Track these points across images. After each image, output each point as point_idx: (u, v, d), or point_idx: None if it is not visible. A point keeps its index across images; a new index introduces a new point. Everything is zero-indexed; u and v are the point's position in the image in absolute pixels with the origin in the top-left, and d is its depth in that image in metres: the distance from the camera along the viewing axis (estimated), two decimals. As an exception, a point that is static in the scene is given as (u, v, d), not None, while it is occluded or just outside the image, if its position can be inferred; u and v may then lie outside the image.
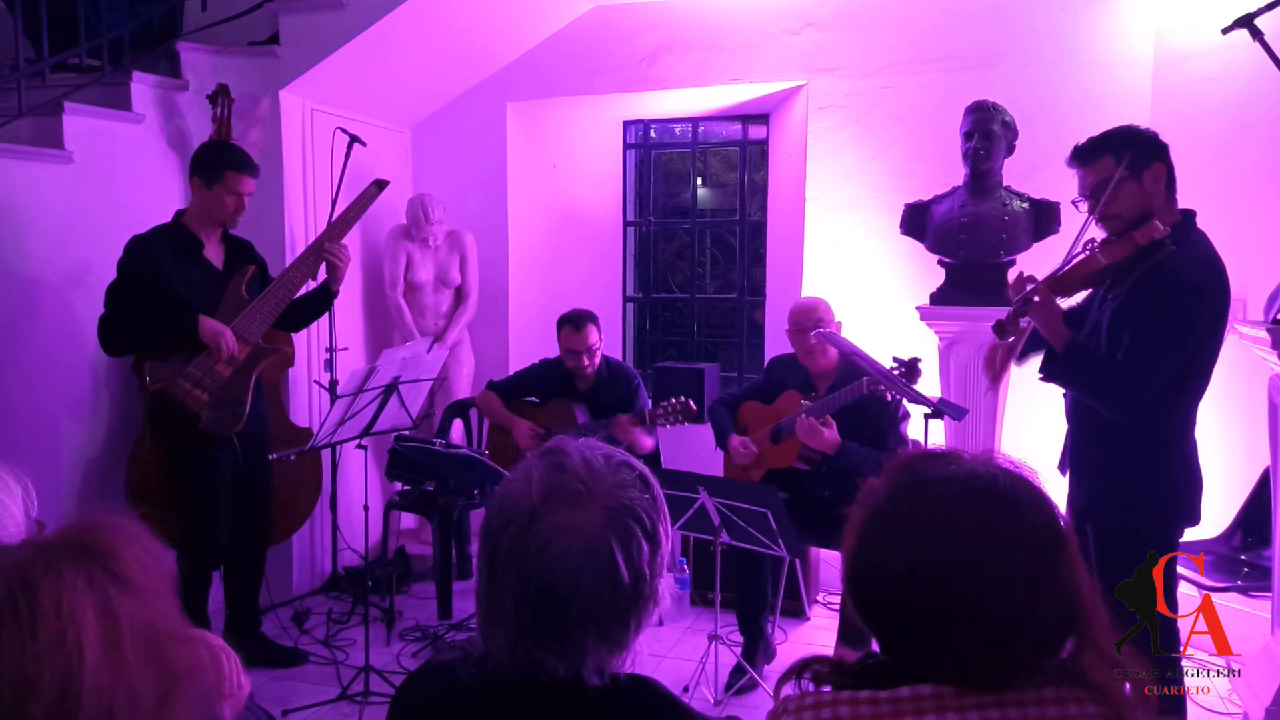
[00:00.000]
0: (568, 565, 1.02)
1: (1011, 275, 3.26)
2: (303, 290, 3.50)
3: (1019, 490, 0.99)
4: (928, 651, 0.98)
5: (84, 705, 0.64)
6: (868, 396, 3.17)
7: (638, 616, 1.07)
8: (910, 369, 3.13)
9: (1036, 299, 2.40)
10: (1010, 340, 2.54)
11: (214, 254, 3.36)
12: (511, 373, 4.19)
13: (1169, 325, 2.28)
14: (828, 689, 1.01)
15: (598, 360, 3.85)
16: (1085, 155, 2.41)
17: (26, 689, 0.63)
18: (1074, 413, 2.56)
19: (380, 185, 3.59)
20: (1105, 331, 2.41)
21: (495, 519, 1.07)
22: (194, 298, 3.24)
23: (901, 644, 1.01)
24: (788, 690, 1.03)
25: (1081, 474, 2.54)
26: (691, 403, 3.59)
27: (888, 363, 3.17)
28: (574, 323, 3.83)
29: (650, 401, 3.85)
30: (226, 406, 3.25)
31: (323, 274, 3.55)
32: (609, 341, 4.85)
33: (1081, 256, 2.40)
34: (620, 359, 4.13)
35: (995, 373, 2.62)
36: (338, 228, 3.51)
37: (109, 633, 0.66)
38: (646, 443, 3.68)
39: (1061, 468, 2.62)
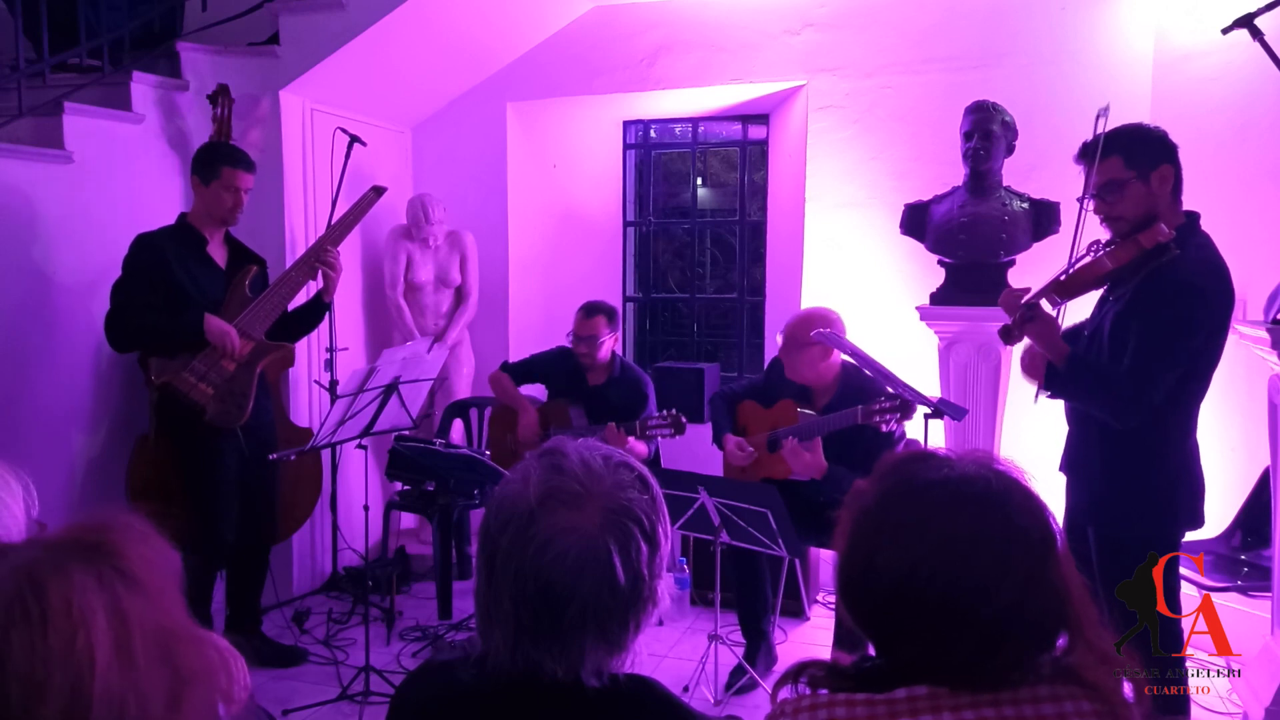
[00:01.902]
0: (566, 566, 1.02)
1: (1011, 282, 3.25)
2: (296, 301, 3.51)
3: (1010, 492, 0.99)
4: (921, 653, 0.98)
5: (95, 708, 0.63)
6: (862, 425, 3.12)
7: (637, 617, 1.07)
8: (905, 406, 3.08)
9: (1044, 303, 2.39)
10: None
11: (217, 253, 3.40)
12: (527, 356, 4.18)
13: (1173, 330, 2.26)
14: (824, 692, 1.01)
15: (601, 354, 3.83)
16: (1094, 154, 2.37)
17: (37, 691, 0.63)
18: (1073, 415, 2.55)
19: (378, 191, 3.61)
20: (1108, 335, 2.39)
21: (493, 520, 1.07)
22: (199, 295, 3.28)
23: (895, 646, 1.01)
24: (784, 694, 1.03)
25: (1081, 477, 2.53)
26: (683, 417, 3.58)
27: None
28: (585, 309, 3.86)
29: (656, 410, 3.84)
30: (231, 399, 3.28)
31: (317, 282, 3.55)
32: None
33: (1086, 260, 2.38)
34: (631, 362, 4.12)
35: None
36: (336, 232, 3.53)
37: (119, 634, 0.66)
38: (640, 449, 3.68)
39: (1063, 468, 2.61)
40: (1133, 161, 2.32)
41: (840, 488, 3.11)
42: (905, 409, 3.06)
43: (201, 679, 0.70)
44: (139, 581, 0.69)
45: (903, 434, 3.28)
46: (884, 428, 3.09)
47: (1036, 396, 2.50)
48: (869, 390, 3.22)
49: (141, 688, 0.65)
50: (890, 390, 3.10)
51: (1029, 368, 2.53)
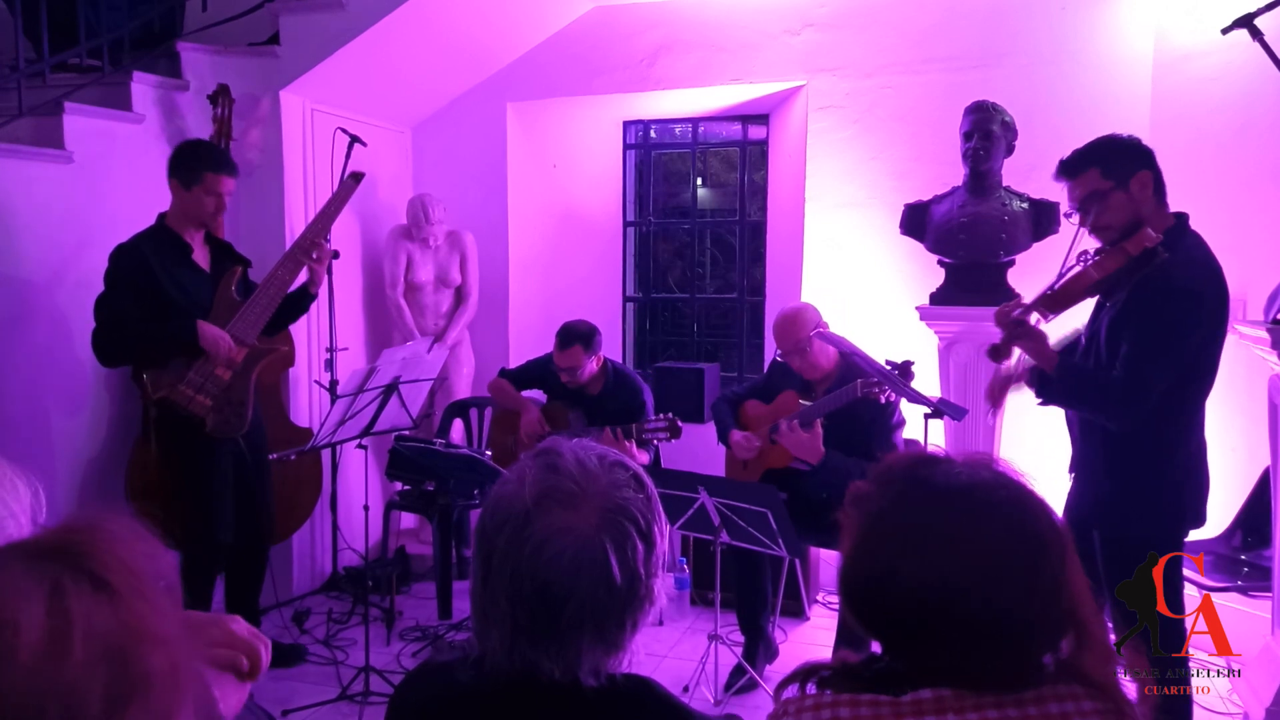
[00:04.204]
0: (562, 566, 1.02)
1: (1010, 282, 3.27)
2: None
3: (1019, 497, 0.98)
4: (927, 656, 0.98)
5: (8, 705, 0.62)
6: (862, 399, 3.15)
7: (634, 617, 1.06)
8: (903, 372, 3.12)
9: (1033, 317, 2.40)
10: (1006, 373, 2.55)
11: (201, 256, 3.32)
12: (524, 362, 4.18)
13: (1166, 332, 2.27)
14: (829, 692, 1.01)
15: (583, 378, 3.80)
16: (1071, 169, 2.41)
17: None
18: (1076, 417, 2.56)
19: (356, 178, 3.55)
20: (1104, 341, 2.40)
21: (489, 521, 1.07)
22: (186, 301, 3.21)
23: (904, 651, 1.01)
24: (790, 693, 1.03)
25: (1086, 479, 2.53)
26: (679, 421, 3.58)
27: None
28: (560, 339, 3.79)
29: (654, 415, 3.84)
30: (230, 409, 3.25)
31: (304, 275, 3.51)
32: (610, 343, 4.84)
33: (1074, 271, 2.39)
34: (627, 366, 4.09)
35: (994, 400, 2.64)
36: (318, 225, 3.46)
37: (56, 632, 0.63)
38: (640, 459, 3.67)
39: (1072, 470, 2.62)
40: (1109, 172, 2.34)
41: (838, 475, 3.15)
42: (904, 376, 3.10)
43: (168, 684, 0.69)
44: (105, 582, 0.67)
45: (899, 410, 3.32)
46: (882, 399, 3.13)
47: (990, 413, 2.54)
48: (867, 371, 3.24)
49: (72, 688, 0.64)
50: (883, 367, 3.13)
51: (990, 391, 2.61)
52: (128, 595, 0.68)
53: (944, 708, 0.94)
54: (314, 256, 3.38)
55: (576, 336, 3.76)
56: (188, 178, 3.21)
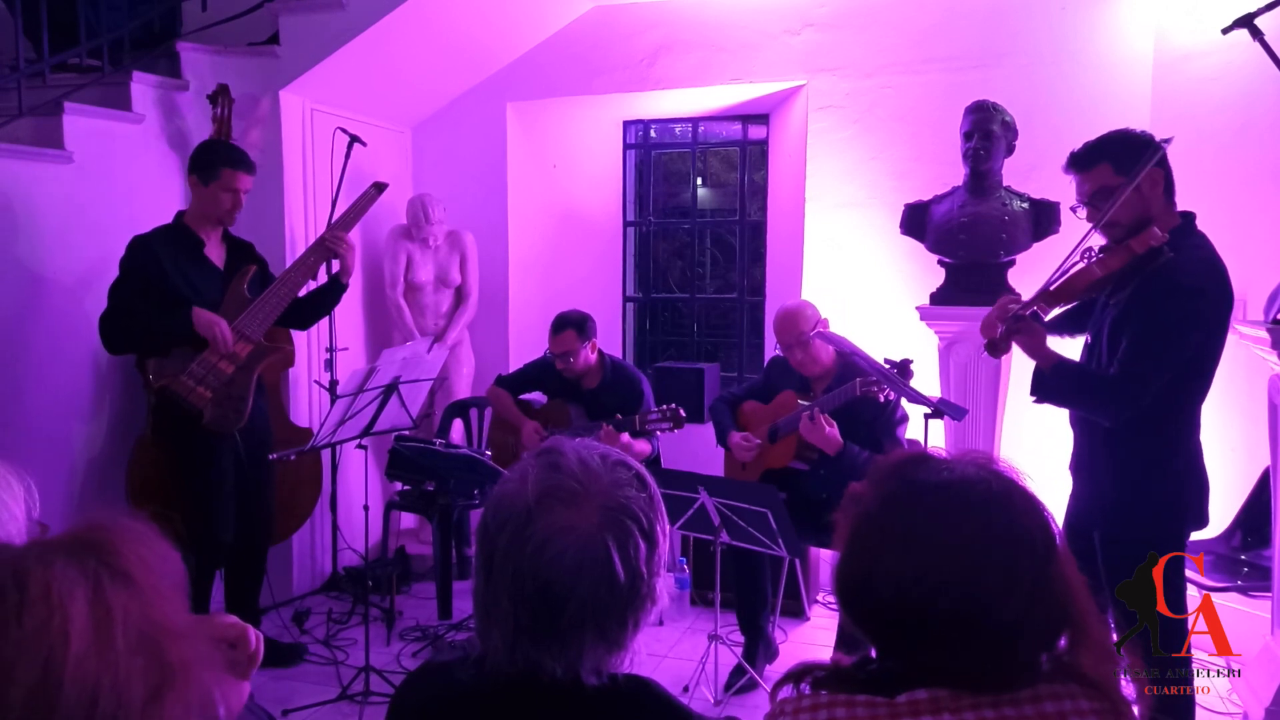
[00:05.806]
0: (564, 565, 1.02)
1: (1011, 282, 3.24)
2: (307, 288, 3.49)
3: (1010, 495, 0.98)
4: (925, 658, 0.97)
5: (65, 692, 0.64)
6: (860, 398, 3.15)
7: (635, 616, 1.06)
8: (902, 370, 3.12)
9: (1035, 309, 2.39)
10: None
11: (215, 253, 3.36)
12: (517, 367, 4.19)
13: (1166, 331, 2.26)
14: (825, 693, 1.01)
15: (578, 365, 3.81)
16: (1082, 162, 2.38)
17: (5, 674, 0.63)
18: (1078, 417, 2.56)
19: (380, 188, 3.58)
20: (1106, 339, 2.40)
21: (491, 520, 1.07)
22: (195, 296, 3.25)
23: (899, 651, 1.01)
24: (785, 693, 1.03)
25: (1087, 479, 2.53)
26: (681, 410, 3.58)
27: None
28: (553, 325, 3.84)
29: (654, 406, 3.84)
30: (230, 403, 3.26)
31: (324, 273, 3.54)
32: (609, 342, 4.84)
33: (1078, 267, 2.38)
34: (626, 362, 4.09)
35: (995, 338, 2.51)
36: (337, 229, 3.51)
37: (100, 622, 0.66)
38: (641, 448, 3.67)
39: (1072, 470, 2.61)
40: (1121, 167, 2.32)
41: (839, 475, 3.15)
42: (902, 374, 3.10)
43: (189, 674, 0.71)
44: (130, 577, 0.70)
45: (900, 406, 3.32)
46: (881, 397, 3.14)
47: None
48: (866, 370, 3.24)
49: (119, 676, 0.66)
50: (883, 366, 3.13)
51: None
52: (150, 591, 0.71)
53: (939, 708, 0.94)
54: (341, 240, 3.40)
55: (568, 323, 3.81)
56: (206, 174, 3.26)
